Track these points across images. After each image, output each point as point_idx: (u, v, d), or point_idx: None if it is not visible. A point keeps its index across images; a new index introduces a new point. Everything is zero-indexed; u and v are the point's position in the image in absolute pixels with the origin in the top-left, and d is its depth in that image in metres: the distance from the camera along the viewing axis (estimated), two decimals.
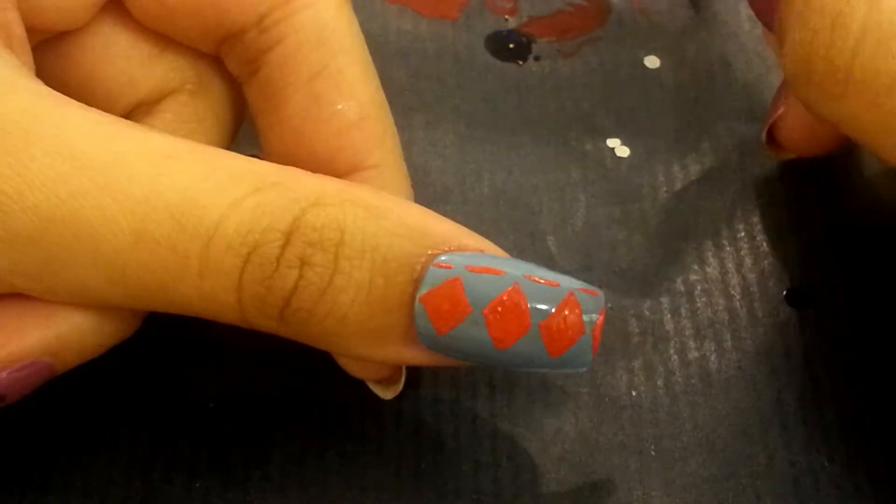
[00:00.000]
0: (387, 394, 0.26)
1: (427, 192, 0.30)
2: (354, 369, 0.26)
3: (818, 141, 0.30)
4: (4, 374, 0.22)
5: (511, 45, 0.34)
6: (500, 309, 0.21)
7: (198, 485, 0.24)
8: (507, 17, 0.35)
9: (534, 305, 0.21)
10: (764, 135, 0.30)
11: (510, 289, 0.21)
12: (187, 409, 0.26)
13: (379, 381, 0.26)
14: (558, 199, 0.30)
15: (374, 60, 0.33)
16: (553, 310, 0.21)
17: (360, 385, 0.26)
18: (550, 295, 0.21)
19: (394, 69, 0.33)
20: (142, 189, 0.20)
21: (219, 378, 0.26)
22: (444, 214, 0.23)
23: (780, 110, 0.29)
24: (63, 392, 0.25)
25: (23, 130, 0.20)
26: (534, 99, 0.33)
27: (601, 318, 0.22)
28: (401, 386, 0.26)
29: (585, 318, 0.21)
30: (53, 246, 0.20)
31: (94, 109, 0.22)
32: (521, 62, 0.34)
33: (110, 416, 0.25)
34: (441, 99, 0.33)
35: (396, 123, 0.32)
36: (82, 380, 0.26)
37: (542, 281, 0.21)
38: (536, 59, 0.34)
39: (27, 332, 0.22)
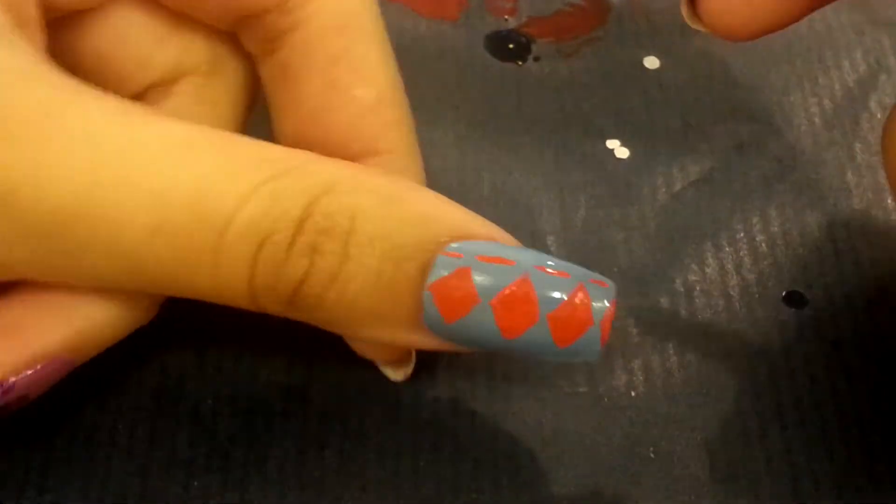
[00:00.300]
0: (397, 375, 0.26)
1: None
2: (365, 351, 0.26)
3: (744, 20, 0.25)
4: (28, 374, 0.22)
5: (511, 46, 0.34)
6: (508, 299, 0.21)
7: (196, 483, 0.24)
8: (506, 17, 0.35)
9: (543, 296, 0.21)
10: (684, 2, 0.26)
11: (519, 279, 0.21)
12: (185, 408, 0.26)
13: (389, 363, 0.26)
14: (558, 199, 0.30)
15: None
16: (562, 301, 0.21)
17: (359, 384, 0.26)
18: (560, 286, 0.21)
19: None
20: (159, 181, 0.20)
21: (217, 376, 0.26)
22: None
23: None
24: (61, 390, 0.25)
25: (41, 122, 0.20)
26: (533, 99, 0.33)
27: (611, 309, 0.21)
28: (411, 367, 0.26)
29: (595, 308, 0.21)
30: (70, 237, 0.20)
31: (110, 96, 0.22)
32: (520, 62, 0.34)
33: (108, 414, 0.25)
34: (441, 99, 0.33)
35: None
36: (80, 378, 0.26)
37: (553, 271, 0.21)
38: (536, 59, 0.34)
39: (47, 331, 0.22)
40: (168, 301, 0.23)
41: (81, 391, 0.26)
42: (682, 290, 0.28)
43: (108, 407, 0.25)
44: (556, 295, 0.21)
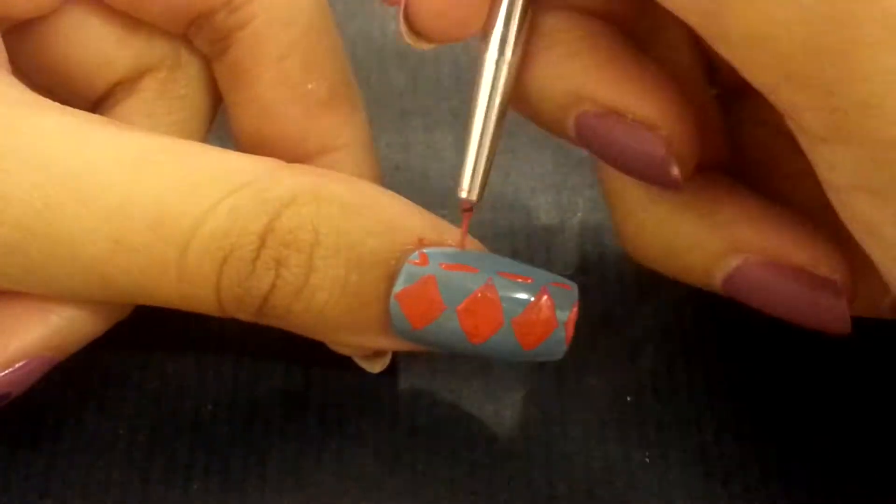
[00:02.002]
0: (374, 367, 0.26)
1: (424, 196, 0.29)
2: (340, 348, 0.26)
3: (455, 22, 0.22)
4: (7, 373, 0.22)
5: None
6: (473, 306, 0.21)
7: (195, 486, 0.25)
8: None
9: (506, 302, 0.22)
10: (402, 21, 0.22)
11: (483, 286, 0.22)
12: (185, 411, 0.26)
13: (365, 357, 0.26)
14: (555, 202, 0.31)
15: (373, 63, 0.34)
16: (526, 306, 0.22)
17: (356, 386, 0.26)
18: (523, 291, 0.22)
19: (392, 72, 0.33)
20: (117, 198, 0.21)
21: (216, 380, 0.26)
22: (442, 218, 0.23)
23: None
24: (61, 394, 0.26)
25: None
26: None
27: (574, 311, 0.22)
28: (387, 360, 0.26)
29: (558, 312, 0.22)
30: (33, 254, 0.21)
31: (69, 111, 0.22)
32: None
33: (109, 420, 0.25)
34: (439, 102, 0.33)
35: (394, 127, 0.32)
36: (80, 382, 0.26)
37: (516, 277, 0.22)
38: None
39: (25, 332, 0.22)
40: (166, 308, 0.23)
41: (82, 396, 0.26)
42: (677, 294, 0.29)
43: (109, 412, 0.26)
44: (520, 300, 0.22)
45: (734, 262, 0.23)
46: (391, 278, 0.22)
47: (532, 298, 0.22)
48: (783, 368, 0.27)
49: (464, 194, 0.22)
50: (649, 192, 0.24)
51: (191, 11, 0.24)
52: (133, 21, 0.25)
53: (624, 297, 0.28)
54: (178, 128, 0.25)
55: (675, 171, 0.22)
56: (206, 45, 0.25)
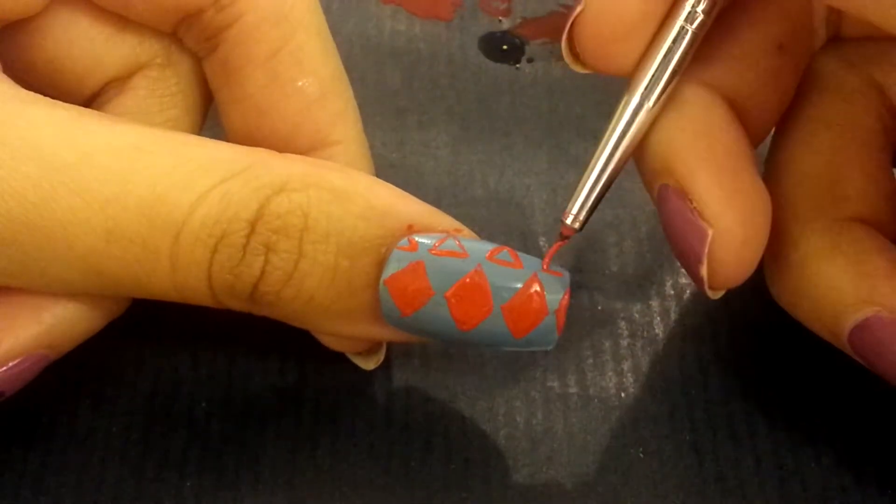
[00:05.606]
0: (368, 364, 0.26)
1: (420, 193, 0.29)
2: (333, 343, 0.26)
3: (616, 52, 0.23)
4: (1, 372, 0.22)
5: (504, 47, 0.34)
6: (462, 291, 0.21)
7: (189, 484, 0.25)
8: (500, 18, 0.35)
9: (496, 288, 0.21)
10: (564, 38, 0.24)
11: (472, 271, 0.21)
12: (179, 409, 0.26)
13: (359, 353, 0.26)
14: (550, 200, 0.31)
15: (368, 61, 0.34)
16: (516, 292, 0.21)
17: (350, 384, 0.26)
18: (513, 277, 0.22)
19: (387, 70, 0.33)
20: (111, 188, 0.21)
21: (210, 378, 0.26)
22: None
23: (580, 7, 0.23)
24: (55, 391, 0.26)
25: None
26: (527, 101, 0.33)
27: (565, 298, 0.22)
28: (382, 356, 0.26)
29: (549, 298, 0.22)
30: (28, 247, 0.21)
31: (60, 105, 0.22)
32: (514, 64, 0.34)
33: (103, 417, 0.25)
34: (434, 100, 0.33)
35: (389, 125, 0.32)
36: (75, 379, 0.26)
37: (506, 262, 0.22)
38: (529, 60, 0.34)
39: (19, 329, 0.22)
40: (161, 305, 0.23)
41: (77, 394, 0.26)
42: (672, 292, 0.29)
43: (103, 410, 0.26)
44: (510, 286, 0.21)
45: (867, 313, 0.23)
46: (381, 265, 0.22)
47: (521, 284, 0.22)
48: (777, 365, 0.27)
49: (569, 220, 0.23)
50: (802, 227, 0.24)
51: (179, 10, 0.24)
52: (123, 20, 0.25)
53: (618, 295, 0.28)
54: (170, 125, 0.25)
55: None
56: (195, 43, 0.25)
